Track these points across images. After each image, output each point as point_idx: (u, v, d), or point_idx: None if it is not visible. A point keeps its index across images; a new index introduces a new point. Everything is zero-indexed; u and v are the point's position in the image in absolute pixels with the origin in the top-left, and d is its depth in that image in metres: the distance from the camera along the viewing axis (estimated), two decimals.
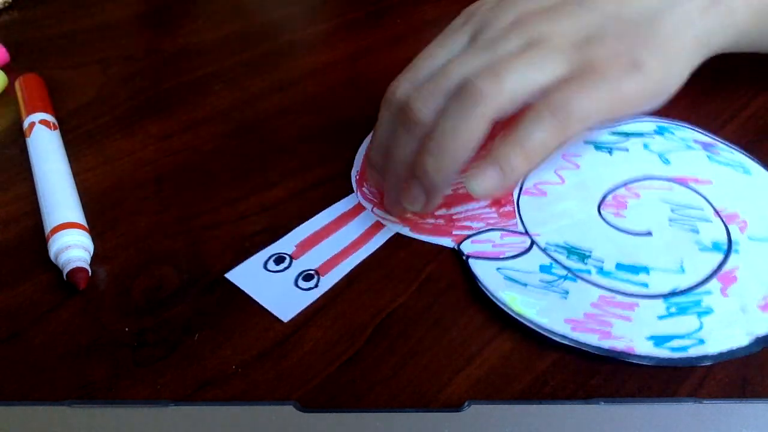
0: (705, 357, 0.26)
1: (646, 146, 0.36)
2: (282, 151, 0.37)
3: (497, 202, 0.33)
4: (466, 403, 0.24)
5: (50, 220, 0.31)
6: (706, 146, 0.36)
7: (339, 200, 0.33)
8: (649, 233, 0.31)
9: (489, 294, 0.28)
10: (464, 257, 0.30)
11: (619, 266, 0.29)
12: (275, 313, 0.28)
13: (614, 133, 0.37)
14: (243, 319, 0.28)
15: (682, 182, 0.34)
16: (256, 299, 0.29)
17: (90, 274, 0.29)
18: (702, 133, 0.37)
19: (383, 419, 0.23)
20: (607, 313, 0.27)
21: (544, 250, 0.30)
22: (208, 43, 0.48)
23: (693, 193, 0.33)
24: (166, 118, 0.40)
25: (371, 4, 0.52)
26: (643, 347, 0.26)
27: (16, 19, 0.52)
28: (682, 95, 0.41)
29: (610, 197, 0.33)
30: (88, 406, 0.24)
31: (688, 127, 0.38)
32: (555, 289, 0.28)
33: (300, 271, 0.30)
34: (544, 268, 0.29)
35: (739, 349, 0.26)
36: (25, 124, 0.38)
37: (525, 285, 0.29)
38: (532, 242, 0.31)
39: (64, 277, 0.29)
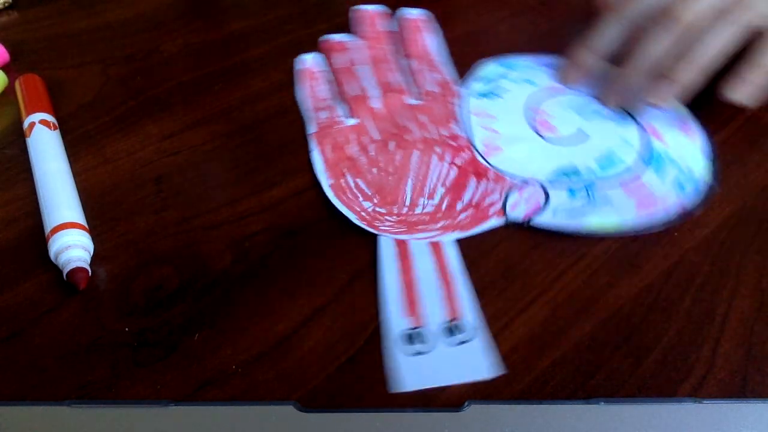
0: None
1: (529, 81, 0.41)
2: (282, 151, 0.37)
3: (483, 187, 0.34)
4: (466, 403, 0.24)
5: (50, 220, 0.31)
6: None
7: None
8: (586, 135, 0.36)
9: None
10: (527, 224, 0.32)
11: (600, 163, 0.35)
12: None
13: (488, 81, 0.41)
14: (243, 319, 0.28)
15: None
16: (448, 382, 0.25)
17: (90, 274, 0.29)
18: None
19: (383, 419, 0.23)
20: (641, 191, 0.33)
21: (552, 183, 0.34)
22: (208, 43, 0.48)
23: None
24: (166, 118, 0.40)
25: (371, 4, 0.52)
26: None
27: (16, 19, 0.52)
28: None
29: (537, 119, 0.37)
30: (88, 406, 0.24)
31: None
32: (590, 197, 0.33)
33: (438, 329, 0.27)
34: (572, 192, 0.33)
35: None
36: (25, 124, 0.38)
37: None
38: (540, 184, 0.34)
39: (64, 277, 0.29)
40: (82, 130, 0.39)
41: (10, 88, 0.42)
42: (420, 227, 0.32)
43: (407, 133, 0.37)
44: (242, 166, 0.36)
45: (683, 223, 0.32)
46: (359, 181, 0.34)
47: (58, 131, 0.38)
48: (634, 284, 0.29)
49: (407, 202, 0.33)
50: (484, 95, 0.40)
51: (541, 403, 0.24)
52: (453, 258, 0.30)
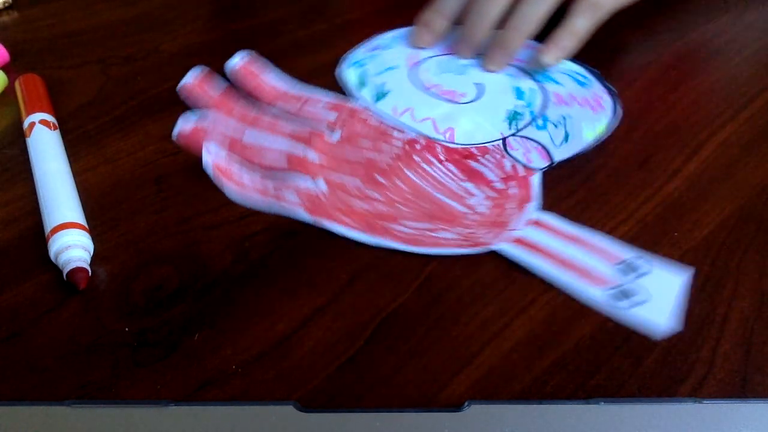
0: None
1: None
2: None
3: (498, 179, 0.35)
4: (466, 403, 0.24)
5: (50, 220, 0.31)
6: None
7: None
8: (483, 85, 0.40)
9: None
10: (555, 164, 0.35)
11: (522, 98, 0.39)
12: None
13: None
14: (243, 319, 0.28)
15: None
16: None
17: (90, 274, 0.29)
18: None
19: (383, 419, 0.23)
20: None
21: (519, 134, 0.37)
22: (208, 43, 0.48)
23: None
24: (166, 118, 0.40)
25: (371, 4, 0.52)
26: None
27: (16, 19, 0.52)
28: (682, 95, 0.41)
29: (440, 93, 0.39)
30: (88, 406, 0.24)
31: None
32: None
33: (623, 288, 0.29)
34: (541, 127, 0.37)
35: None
36: (25, 124, 0.38)
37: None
38: (515, 136, 0.37)
39: (64, 277, 0.29)
40: (82, 130, 0.39)
41: (10, 88, 0.42)
42: (505, 219, 0.32)
43: (374, 162, 0.35)
44: None
45: (682, 221, 0.32)
46: (408, 223, 0.32)
47: (58, 131, 0.38)
48: None
49: (465, 210, 0.33)
50: (379, 97, 0.40)
51: (541, 403, 0.24)
52: (558, 222, 0.32)
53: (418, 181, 0.35)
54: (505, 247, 0.31)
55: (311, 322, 0.28)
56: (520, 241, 0.31)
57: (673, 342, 0.27)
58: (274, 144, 0.36)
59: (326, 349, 0.27)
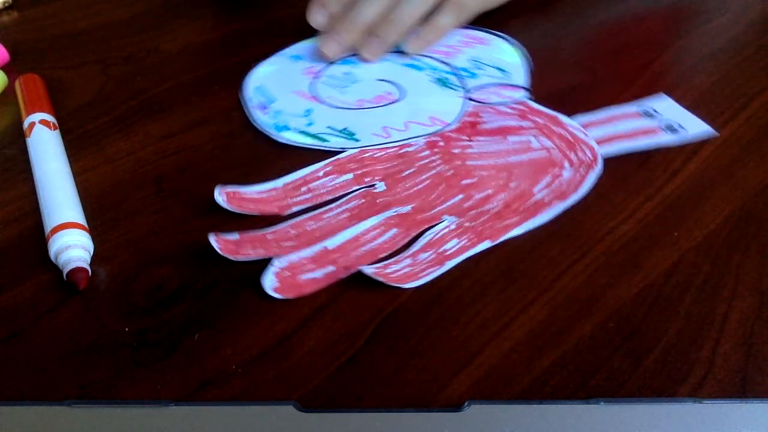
0: None
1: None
2: (282, 151, 0.37)
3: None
4: (466, 403, 0.24)
5: (50, 220, 0.31)
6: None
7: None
8: (400, 84, 0.42)
9: None
10: (531, 93, 0.41)
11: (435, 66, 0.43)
12: None
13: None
14: (243, 319, 0.28)
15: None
16: None
17: (90, 274, 0.29)
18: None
19: (383, 419, 0.23)
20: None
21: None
22: (208, 43, 0.48)
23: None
24: (166, 118, 0.40)
25: None
26: None
27: (16, 19, 0.52)
28: (682, 96, 0.41)
29: (377, 99, 0.40)
30: (88, 406, 0.24)
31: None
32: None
33: None
34: (474, 75, 0.42)
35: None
36: (25, 124, 0.38)
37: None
38: (471, 92, 0.40)
39: (64, 277, 0.29)
40: (82, 130, 0.39)
41: (10, 88, 0.42)
42: (574, 137, 0.37)
43: (440, 176, 0.35)
44: (242, 166, 0.36)
45: (682, 221, 0.32)
46: (536, 189, 0.34)
47: (58, 131, 0.38)
48: (634, 284, 0.29)
49: (543, 152, 0.36)
50: (352, 136, 0.38)
51: (541, 403, 0.24)
52: (593, 116, 0.38)
53: (487, 162, 0.36)
54: (605, 150, 0.36)
55: (311, 322, 0.28)
56: (601, 141, 0.36)
57: (673, 342, 0.27)
58: (362, 229, 0.32)
59: (326, 349, 0.27)
